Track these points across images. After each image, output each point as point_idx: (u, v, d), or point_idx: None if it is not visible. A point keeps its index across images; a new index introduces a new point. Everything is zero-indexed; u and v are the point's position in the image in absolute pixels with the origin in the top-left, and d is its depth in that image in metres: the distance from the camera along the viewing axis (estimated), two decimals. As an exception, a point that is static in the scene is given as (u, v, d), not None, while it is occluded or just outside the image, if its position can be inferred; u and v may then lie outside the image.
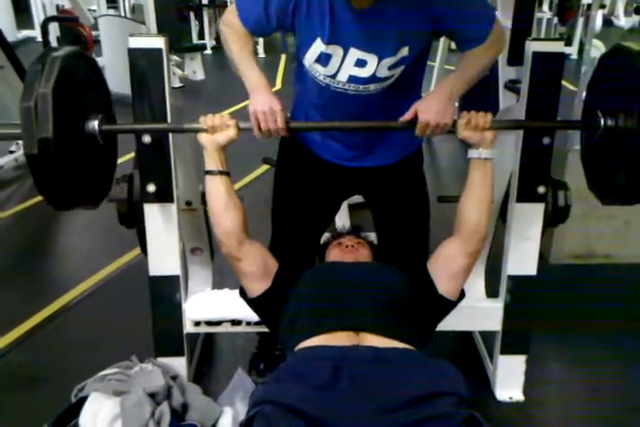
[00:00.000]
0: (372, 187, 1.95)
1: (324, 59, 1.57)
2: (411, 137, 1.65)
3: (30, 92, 1.32)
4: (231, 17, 1.64)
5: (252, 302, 1.69)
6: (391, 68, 1.58)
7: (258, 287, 1.64)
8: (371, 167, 1.85)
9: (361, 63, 1.56)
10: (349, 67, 1.57)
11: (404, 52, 1.55)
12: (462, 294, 1.66)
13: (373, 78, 1.59)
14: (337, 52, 1.55)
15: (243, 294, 1.70)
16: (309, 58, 1.59)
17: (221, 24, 1.70)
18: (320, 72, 1.61)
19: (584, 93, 3.11)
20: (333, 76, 1.60)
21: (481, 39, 1.58)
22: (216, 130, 1.56)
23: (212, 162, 1.59)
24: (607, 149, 1.59)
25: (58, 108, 1.33)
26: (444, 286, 1.61)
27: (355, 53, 1.55)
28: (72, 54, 1.46)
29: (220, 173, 1.60)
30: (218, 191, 1.60)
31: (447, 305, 1.64)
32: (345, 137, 1.80)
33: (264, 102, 1.58)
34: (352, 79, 1.59)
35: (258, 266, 1.63)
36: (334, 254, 1.88)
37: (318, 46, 1.55)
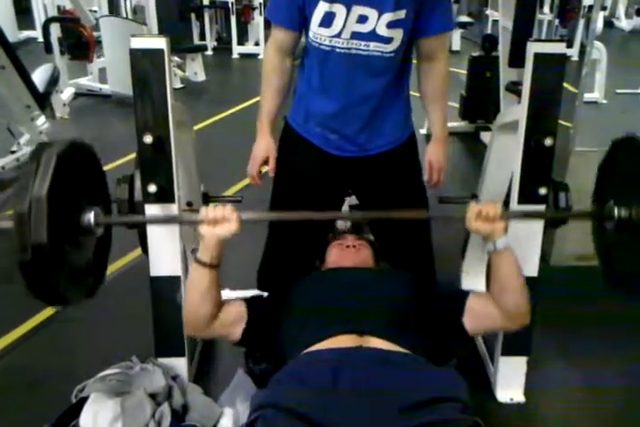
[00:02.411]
0: (372, 178, 1.97)
1: (327, 20, 1.69)
2: (402, 123, 1.90)
3: (24, 195, 1.25)
4: (269, 43, 1.87)
5: (241, 344, 1.71)
6: (389, 26, 1.68)
7: (235, 335, 1.65)
8: (370, 156, 1.90)
9: (362, 19, 1.68)
10: (352, 24, 1.68)
11: (402, 14, 1.68)
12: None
13: (374, 35, 1.70)
14: (340, 10, 1.67)
15: (234, 343, 1.71)
16: (314, 23, 1.71)
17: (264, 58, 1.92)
18: (324, 35, 1.72)
19: (585, 95, 3.12)
20: (338, 35, 1.71)
21: (443, 28, 1.81)
22: (217, 223, 1.50)
23: (207, 254, 1.53)
24: (622, 239, 1.54)
25: (53, 210, 1.27)
26: (471, 328, 1.62)
27: (356, 10, 1.67)
28: (68, 149, 1.40)
29: (210, 266, 1.54)
30: (200, 282, 1.55)
31: (462, 335, 1.65)
32: (342, 127, 1.85)
33: (256, 151, 1.91)
34: (355, 35, 1.70)
35: (224, 329, 1.64)
36: (335, 255, 1.88)
37: (322, 7, 1.68)
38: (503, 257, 1.53)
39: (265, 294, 1.99)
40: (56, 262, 1.31)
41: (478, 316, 1.60)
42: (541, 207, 1.84)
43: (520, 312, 1.56)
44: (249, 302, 1.67)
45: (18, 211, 1.24)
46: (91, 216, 1.45)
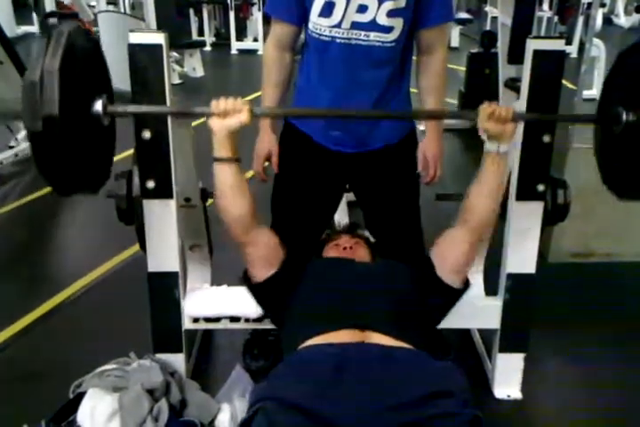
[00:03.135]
0: (370, 174, 1.97)
1: (327, 10, 1.69)
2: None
3: (36, 67, 1.24)
4: (269, 37, 1.87)
5: (255, 288, 1.69)
6: (389, 15, 1.69)
7: (262, 273, 1.65)
8: (369, 151, 1.90)
9: (362, 9, 1.68)
10: (352, 13, 1.68)
11: (402, 2, 1.69)
12: (467, 284, 1.68)
13: (374, 24, 1.70)
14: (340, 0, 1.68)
15: (246, 279, 1.69)
16: (314, 14, 1.72)
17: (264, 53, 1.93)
18: (324, 25, 1.72)
19: (584, 92, 3.12)
20: (338, 25, 1.71)
21: (443, 19, 1.82)
22: (228, 114, 1.48)
23: (222, 149, 1.52)
24: (627, 145, 1.55)
25: (64, 85, 1.26)
26: (449, 276, 1.63)
27: None
28: (77, 29, 1.39)
29: (230, 160, 1.53)
30: (227, 179, 1.55)
31: (453, 294, 1.65)
32: (343, 122, 1.85)
33: (259, 147, 1.94)
34: (355, 25, 1.70)
35: (265, 252, 1.63)
36: (331, 254, 1.87)
37: None
38: (498, 160, 1.57)
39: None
40: (65, 140, 1.30)
41: (440, 250, 1.63)
42: (540, 204, 1.84)
43: (485, 220, 1.60)
44: (287, 258, 1.68)
45: (29, 80, 1.24)
46: (99, 104, 1.43)
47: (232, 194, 1.56)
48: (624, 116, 1.50)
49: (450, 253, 1.64)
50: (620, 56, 1.64)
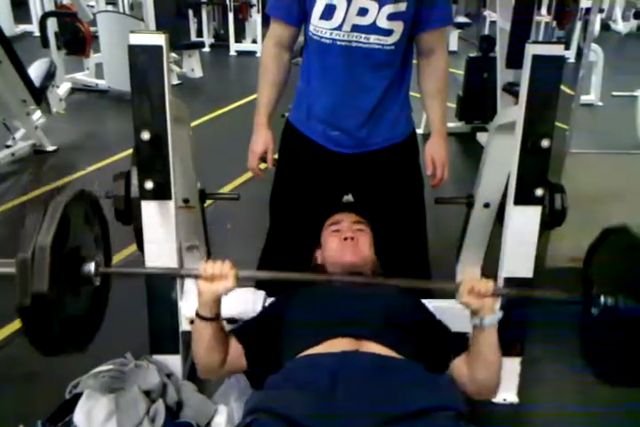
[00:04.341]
0: (371, 175, 1.97)
1: (327, 13, 1.71)
2: (403, 119, 1.93)
3: (28, 242, 1.28)
4: (268, 37, 1.89)
5: (251, 368, 1.68)
6: (390, 18, 1.70)
7: (242, 365, 1.65)
8: (370, 152, 1.91)
9: (363, 12, 1.70)
10: (352, 16, 1.70)
11: (402, 6, 1.70)
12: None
13: (375, 27, 1.71)
14: (340, 3, 1.69)
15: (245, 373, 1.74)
16: (315, 16, 1.73)
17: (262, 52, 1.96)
18: (325, 28, 1.74)
19: (584, 96, 3.13)
20: (339, 28, 1.72)
21: (443, 23, 1.84)
22: (215, 279, 1.50)
23: (205, 308, 1.54)
24: (607, 327, 1.53)
25: (55, 259, 1.29)
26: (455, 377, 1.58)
27: (357, 2, 1.69)
28: (76, 198, 1.43)
29: (211, 319, 1.54)
30: (204, 336, 1.55)
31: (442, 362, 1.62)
32: (343, 122, 1.86)
33: (254, 144, 1.94)
34: (355, 28, 1.72)
35: (233, 367, 1.64)
36: (333, 249, 1.83)
37: (323, 0, 1.70)
38: (486, 334, 1.51)
39: (260, 292, 1.98)
40: (54, 310, 1.33)
41: (458, 376, 1.57)
42: (537, 208, 1.85)
43: (488, 387, 1.55)
44: (237, 333, 1.66)
45: (21, 257, 1.27)
46: (91, 266, 1.46)
47: (207, 349, 1.57)
48: (602, 300, 1.48)
49: (460, 382, 1.58)
50: (603, 233, 1.64)
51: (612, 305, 1.47)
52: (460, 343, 1.61)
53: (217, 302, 1.54)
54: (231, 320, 1.94)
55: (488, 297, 1.49)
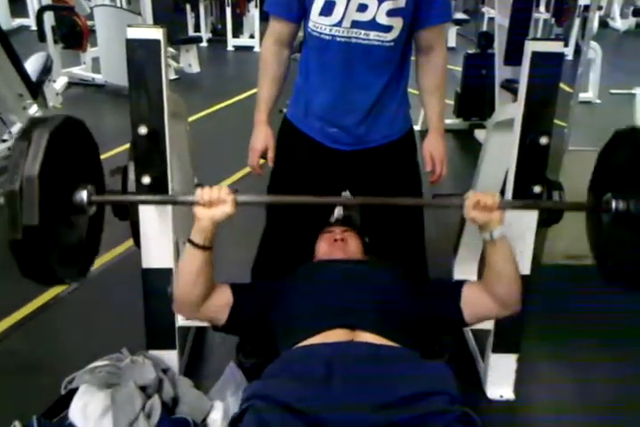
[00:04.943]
0: (368, 172, 1.96)
1: (327, 9, 1.70)
2: (401, 116, 1.92)
3: (15, 174, 1.23)
4: (267, 33, 1.88)
5: (227, 329, 1.69)
6: (389, 14, 1.69)
7: (221, 318, 1.63)
8: (368, 149, 1.90)
9: (362, 8, 1.69)
10: (352, 12, 1.69)
11: (401, 3, 1.70)
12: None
13: (374, 24, 1.71)
14: None
15: (215, 328, 1.69)
16: (314, 13, 1.72)
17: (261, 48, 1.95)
18: (325, 24, 1.73)
19: (582, 94, 3.13)
20: (338, 24, 1.71)
21: (442, 19, 1.82)
22: (212, 204, 1.47)
23: (200, 235, 1.50)
24: (617, 232, 1.53)
25: (45, 189, 1.24)
26: (467, 318, 1.62)
27: None
28: (60, 125, 1.36)
29: (204, 247, 1.51)
30: (193, 264, 1.52)
31: (456, 326, 1.66)
32: (341, 119, 1.85)
33: (255, 141, 1.93)
34: (355, 24, 1.71)
35: (212, 312, 1.62)
36: (323, 249, 1.87)
37: None
38: (498, 247, 1.53)
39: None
40: (47, 242, 1.29)
41: (473, 305, 1.60)
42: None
43: (513, 299, 1.57)
44: (235, 288, 1.64)
45: (9, 190, 1.23)
46: (83, 195, 1.42)
47: (193, 279, 1.53)
48: (613, 205, 1.49)
49: (479, 312, 1.63)
50: (613, 139, 1.62)
51: (624, 210, 1.46)
52: (456, 284, 1.67)
53: (214, 229, 1.51)
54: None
55: (495, 210, 1.50)
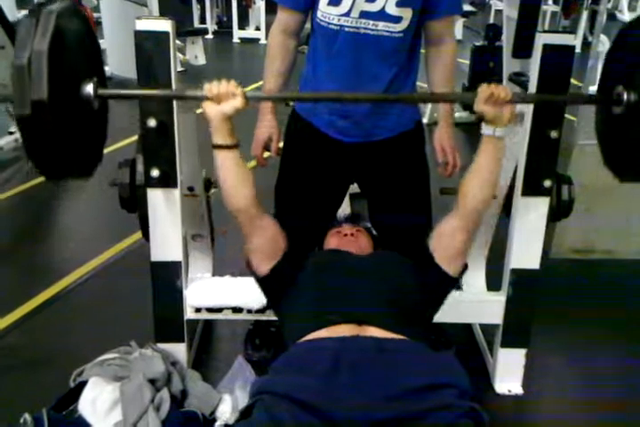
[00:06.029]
0: (376, 164, 1.96)
1: None
2: (410, 109, 1.92)
3: (24, 49, 1.20)
4: (275, 24, 1.87)
5: (262, 280, 1.66)
6: (399, 4, 1.68)
7: (265, 264, 1.62)
8: (376, 142, 1.89)
9: None
10: (361, 3, 1.68)
11: None
12: (465, 268, 1.65)
13: (383, 14, 1.69)
14: None
15: (252, 271, 1.67)
16: (323, 2, 1.71)
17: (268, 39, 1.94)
18: (333, 14, 1.72)
19: (590, 87, 3.10)
20: (347, 14, 1.70)
21: (451, 11, 1.81)
22: (221, 99, 1.44)
23: (220, 135, 1.48)
24: (627, 125, 1.50)
25: (53, 68, 1.21)
26: (446, 264, 1.60)
27: None
28: (67, 9, 1.33)
29: (228, 146, 1.49)
30: (227, 166, 1.51)
31: (449, 282, 1.63)
32: (349, 110, 1.84)
33: (259, 132, 1.93)
34: (364, 14, 1.69)
35: (269, 244, 1.60)
36: (332, 242, 1.86)
37: None
38: (494, 144, 1.53)
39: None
40: (55, 124, 1.26)
41: (438, 240, 1.59)
42: (545, 200, 1.84)
43: (481, 208, 1.56)
44: (289, 247, 1.64)
45: (17, 64, 1.19)
46: (90, 87, 1.38)
47: (234, 180, 1.52)
48: (625, 97, 1.44)
49: (447, 241, 1.60)
50: (620, 34, 1.56)
51: (636, 101, 1.43)
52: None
53: (229, 125, 1.48)
54: (236, 309, 1.95)
55: (506, 105, 1.47)
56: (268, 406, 1.26)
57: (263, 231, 1.60)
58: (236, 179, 1.52)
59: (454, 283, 1.65)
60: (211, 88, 1.45)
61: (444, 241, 1.60)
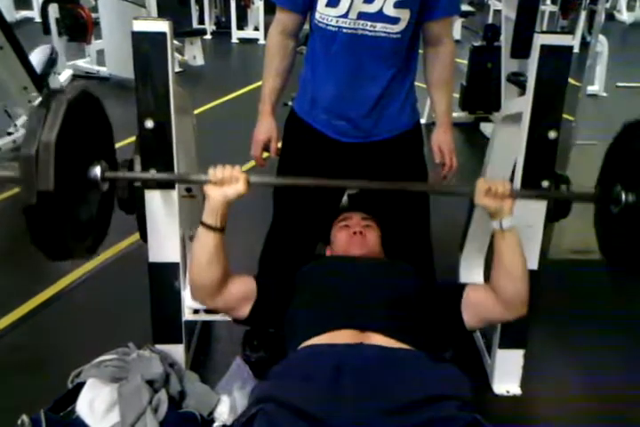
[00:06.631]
0: (375, 165, 1.95)
1: (333, 0, 1.69)
2: (408, 110, 1.91)
3: (32, 140, 1.23)
4: (273, 25, 1.87)
5: (247, 322, 1.68)
6: (396, 5, 1.68)
7: (242, 311, 1.62)
8: (375, 142, 1.89)
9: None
10: (359, 4, 1.68)
11: None
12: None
13: (381, 15, 1.69)
14: None
15: (235, 320, 1.68)
16: (321, 4, 1.72)
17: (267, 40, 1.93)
18: (331, 15, 1.72)
19: (588, 87, 3.11)
20: (345, 16, 1.70)
21: (449, 12, 1.81)
22: (224, 183, 1.46)
23: (212, 216, 1.49)
24: (625, 223, 1.51)
25: (60, 158, 1.24)
26: (469, 321, 1.59)
27: None
28: (79, 96, 1.37)
29: (216, 229, 1.50)
30: (206, 246, 1.51)
31: (458, 327, 1.62)
32: (347, 111, 1.84)
33: (258, 133, 1.92)
34: (362, 15, 1.70)
35: (235, 301, 1.60)
36: (342, 242, 1.85)
37: None
38: (507, 238, 1.51)
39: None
40: (61, 210, 1.28)
41: (475, 307, 1.58)
42: (543, 200, 1.84)
43: (519, 300, 1.53)
44: (259, 281, 1.63)
45: (25, 155, 1.22)
46: (97, 170, 1.41)
47: (207, 261, 1.52)
48: (623, 197, 1.47)
49: (482, 314, 1.59)
50: (624, 128, 1.60)
51: (633, 202, 1.45)
52: (457, 286, 1.64)
53: (226, 209, 1.49)
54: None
55: (506, 198, 1.48)
56: (269, 416, 1.25)
57: (225, 299, 1.59)
58: (208, 260, 1.52)
59: (459, 330, 1.63)
60: (215, 173, 1.47)
61: (480, 312, 1.58)
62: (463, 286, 1.64)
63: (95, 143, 1.48)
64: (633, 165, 1.52)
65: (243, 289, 1.60)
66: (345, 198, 2.85)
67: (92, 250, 1.50)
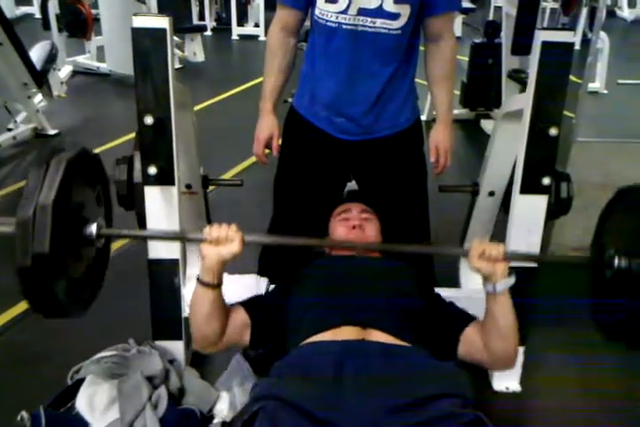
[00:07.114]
0: (375, 162, 1.96)
1: None
2: (408, 107, 1.91)
3: (30, 202, 1.23)
4: (274, 21, 1.87)
5: (252, 347, 1.68)
6: (397, 1, 1.68)
7: (244, 340, 1.62)
8: (374, 139, 1.89)
9: None
10: (358, 0, 1.68)
11: None
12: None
13: (381, 11, 1.69)
14: None
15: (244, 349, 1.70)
16: (320, 0, 1.71)
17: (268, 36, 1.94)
18: (331, 11, 1.71)
19: (589, 84, 3.10)
20: (344, 12, 1.70)
21: (450, 7, 1.81)
22: (220, 243, 1.45)
23: (209, 274, 1.49)
24: (617, 288, 1.51)
25: (57, 219, 1.24)
26: (461, 353, 1.57)
27: None
28: (77, 157, 1.38)
29: (212, 285, 1.50)
30: (203, 303, 1.51)
31: (449, 349, 1.59)
32: (347, 108, 1.84)
33: (260, 130, 1.93)
34: (361, 11, 1.69)
35: (233, 338, 1.60)
36: (339, 234, 1.84)
37: None
38: (500, 301, 1.48)
39: (263, 279, 1.97)
40: (55, 271, 1.29)
41: (471, 344, 1.55)
42: (544, 197, 1.83)
43: (506, 357, 1.52)
44: (247, 306, 1.63)
45: (21, 217, 1.22)
46: (93, 227, 1.42)
47: (206, 316, 1.52)
48: (616, 262, 1.46)
49: (474, 353, 1.56)
50: (618, 193, 1.59)
51: (626, 267, 1.44)
52: (466, 316, 1.61)
53: (221, 267, 1.49)
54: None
55: (499, 262, 1.45)
56: (270, 413, 1.24)
57: (225, 341, 1.59)
58: (207, 315, 1.52)
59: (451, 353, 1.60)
60: (210, 232, 1.46)
61: (474, 354, 1.56)
62: (470, 319, 1.61)
63: (92, 201, 1.49)
64: (625, 230, 1.52)
65: (237, 323, 1.60)
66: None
67: (86, 306, 1.51)
